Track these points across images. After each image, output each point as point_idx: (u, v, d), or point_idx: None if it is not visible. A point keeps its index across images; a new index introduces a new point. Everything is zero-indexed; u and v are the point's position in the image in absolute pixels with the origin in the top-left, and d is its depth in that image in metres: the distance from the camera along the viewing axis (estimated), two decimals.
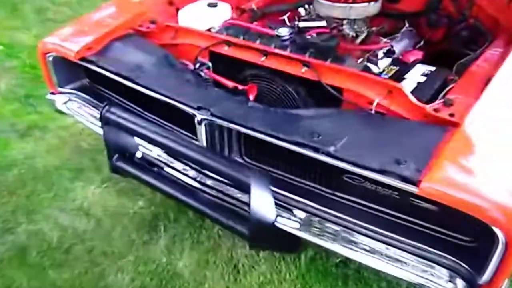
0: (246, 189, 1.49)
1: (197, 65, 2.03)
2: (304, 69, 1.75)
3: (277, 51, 1.83)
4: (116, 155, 1.83)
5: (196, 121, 1.62)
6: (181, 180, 1.74)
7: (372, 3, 2.24)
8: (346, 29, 2.32)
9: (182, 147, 1.62)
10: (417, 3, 2.53)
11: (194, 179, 1.72)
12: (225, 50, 1.95)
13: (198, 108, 1.61)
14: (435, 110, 1.49)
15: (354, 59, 1.91)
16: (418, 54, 1.92)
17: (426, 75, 1.82)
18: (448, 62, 2.41)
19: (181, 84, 1.79)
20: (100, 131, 2.02)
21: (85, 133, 2.90)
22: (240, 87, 1.88)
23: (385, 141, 1.41)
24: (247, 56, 1.90)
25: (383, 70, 1.88)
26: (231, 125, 1.55)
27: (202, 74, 2.02)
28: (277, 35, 1.93)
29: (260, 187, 1.47)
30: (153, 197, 2.40)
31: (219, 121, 1.57)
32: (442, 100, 1.52)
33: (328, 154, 1.37)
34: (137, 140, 1.82)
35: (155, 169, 1.81)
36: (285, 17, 2.47)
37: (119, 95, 2.13)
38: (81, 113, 2.17)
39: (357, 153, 1.35)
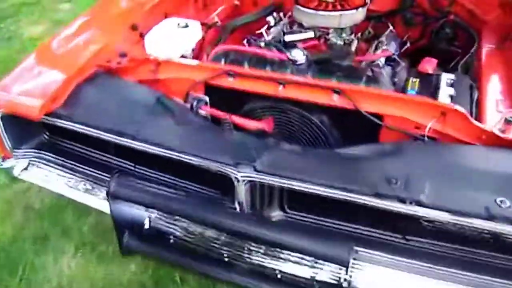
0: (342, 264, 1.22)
1: (194, 103, 1.68)
2: (335, 97, 1.51)
3: (299, 79, 1.56)
4: (128, 233, 1.44)
5: (235, 181, 1.30)
6: (218, 252, 1.41)
7: (360, 9, 2.05)
8: (334, 38, 2.12)
9: (226, 219, 1.30)
10: (389, 2, 2.40)
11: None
12: (229, 82, 1.63)
13: (236, 165, 1.29)
14: (502, 131, 1.34)
15: (387, 79, 1.71)
16: (434, 63, 1.78)
17: (451, 85, 1.68)
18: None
19: (194, 134, 1.45)
20: (77, 196, 1.61)
21: (32, 190, 2.38)
22: (258, 124, 1.59)
23: (471, 177, 1.23)
24: (258, 87, 1.60)
25: (407, 84, 1.70)
26: (286, 182, 1.26)
27: (200, 112, 1.69)
28: (290, 60, 1.66)
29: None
30: (145, 256, 2.01)
31: (268, 178, 1.27)
32: (503, 119, 1.37)
33: (419, 203, 1.16)
34: (156, 212, 1.44)
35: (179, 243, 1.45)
36: (263, 30, 2.20)
37: (97, 148, 1.71)
38: (48, 179, 1.71)
39: (452, 197, 1.16)
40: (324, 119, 1.60)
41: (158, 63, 1.74)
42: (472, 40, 2.18)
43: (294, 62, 1.65)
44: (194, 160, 1.32)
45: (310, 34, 2.09)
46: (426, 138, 1.42)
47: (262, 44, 2.11)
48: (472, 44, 2.17)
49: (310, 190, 1.23)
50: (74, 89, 1.62)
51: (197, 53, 2.16)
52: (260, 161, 1.28)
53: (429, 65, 1.77)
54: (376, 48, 2.15)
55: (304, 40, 2.08)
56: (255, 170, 1.27)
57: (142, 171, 1.58)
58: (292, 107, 1.60)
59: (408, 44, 2.15)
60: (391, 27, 2.23)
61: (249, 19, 2.38)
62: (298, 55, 1.64)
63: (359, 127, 1.54)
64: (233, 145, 1.39)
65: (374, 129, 1.52)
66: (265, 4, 2.58)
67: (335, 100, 1.51)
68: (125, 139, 1.42)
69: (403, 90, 1.66)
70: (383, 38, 2.19)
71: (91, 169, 1.65)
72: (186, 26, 2.04)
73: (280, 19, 2.44)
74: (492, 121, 1.49)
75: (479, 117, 1.54)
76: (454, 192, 1.18)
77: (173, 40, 1.97)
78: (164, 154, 1.36)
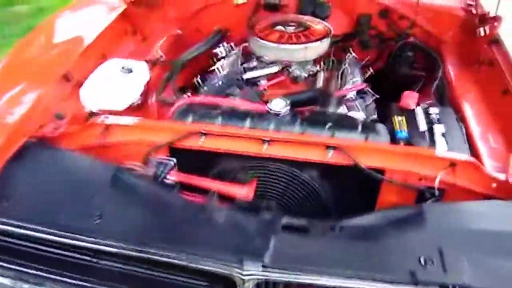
0: None
1: (159, 169, 1.38)
2: (330, 153, 1.29)
3: (287, 136, 1.32)
4: None
5: (239, 281, 1.03)
6: None
7: (325, 39, 1.86)
8: (297, 70, 1.91)
9: None
10: (344, 26, 2.25)
11: None
12: (200, 142, 1.35)
13: (240, 262, 1.02)
14: None
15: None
16: (415, 96, 1.63)
17: (438, 120, 1.54)
18: (388, 84, 2.24)
19: (175, 220, 1.15)
20: None
21: None
22: (242, 190, 1.33)
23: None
24: (237, 146, 1.34)
25: (394, 124, 1.52)
26: (303, 277, 1.01)
27: (168, 178, 1.39)
28: (270, 112, 1.41)
29: None
30: None
31: (280, 275, 1.02)
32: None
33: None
34: None
35: None
36: (218, 66, 1.94)
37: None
38: None
39: (498, 275, 0.99)
40: (315, 176, 1.37)
41: (107, 126, 1.41)
42: (433, 62, 2.09)
43: (274, 113, 1.40)
44: (186, 260, 1.03)
45: (274, 69, 1.87)
46: (436, 191, 1.25)
47: (217, 81, 1.85)
48: (433, 66, 2.09)
49: (334, 284, 1.00)
50: (1, 172, 1.24)
51: (143, 97, 1.84)
52: (268, 253, 1.03)
53: (411, 99, 1.62)
54: (341, 77, 1.98)
55: (266, 76, 1.87)
56: (263, 266, 1.01)
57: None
58: (279, 165, 1.36)
59: (371, 71, 2.00)
60: (353, 54, 2.08)
61: (197, 51, 2.10)
62: (280, 105, 1.40)
63: (356, 183, 1.34)
64: (229, 232, 1.11)
65: (374, 184, 1.33)
66: (208, 31, 2.33)
67: (330, 157, 1.29)
68: (84, 239, 1.08)
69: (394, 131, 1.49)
70: (346, 66, 2.03)
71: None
72: (130, 70, 1.72)
73: (231, 49, 2.19)
74: (491, 160, 1.37)
75: (474, 155, 1.41)
76: (498, 267, 1.01)
77: (118, 89, 1.65)
78: (144, 255, 1.05)
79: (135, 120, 1.43)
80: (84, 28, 1.91)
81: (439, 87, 1.88)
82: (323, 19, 2.16)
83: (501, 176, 1.22)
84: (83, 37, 1.83)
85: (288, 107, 1.40)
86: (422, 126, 1.51)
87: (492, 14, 1.76)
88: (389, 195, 1.34)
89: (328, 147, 1.29)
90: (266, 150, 1.31)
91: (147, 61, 1.97)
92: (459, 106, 1.67)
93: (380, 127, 1.41)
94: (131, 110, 1.70)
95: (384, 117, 1.66)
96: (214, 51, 2.17)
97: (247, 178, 1.40)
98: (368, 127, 1.38)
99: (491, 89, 1.68)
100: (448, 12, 2.16)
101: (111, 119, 1.42)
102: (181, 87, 2.16)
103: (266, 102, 1.79)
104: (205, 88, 1.83)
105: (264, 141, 1.31)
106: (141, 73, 1.75)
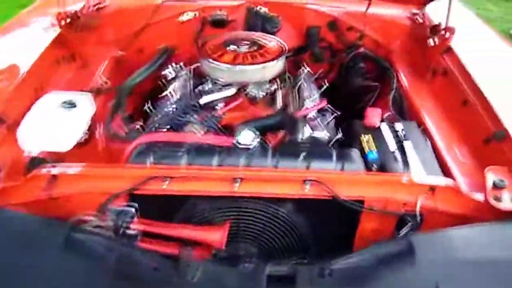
0: None
1: (119, 221, 1.21)
2: (307, 186, 1.20)
3: (262, 173, 1.22)
4: None
5: None
6: None
7: (281, 57, 1.78)
8: (254, 90, 1.81)
9: None
10: (293, 39, 2.19)
11: None
12: (164, 186, 1.21)
13: None
14: (497, 199, 1.18)
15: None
16: (379, 113, 1.59)
17: (405, 136, 1.51)
18: (342, 96, 2.20)
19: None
20: None
21: None
22: (215, 236, 1.20)
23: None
24: (206, 187, 1.21)
25: (362, 144, 1.47)
26: None
27: (131, 228, 1.23)
28: (238, 145, 1.29)
29: None
30: None
31: None
32: (489, 182, 1.22)
33: None
34: None
35: None
36: (169, 90, 1.78)
37: None
38: None
39: None
40: (292, 210, 1.28)
41: (53, 176, 1.22)
42: (385, 72, 2.09)
43: (245, 147, 1.29)
44: None
45: (231, 91, 1.75)
46: (418, 217, 1.21)
47: (170, 108, 1.71)
48: (385, 76, 2.08)
49: None
50: None
51: (90, 132, 1.66)
52: None
53: (375, 117, 1.58)
54: (298, 94, 1.90)
55: (223, 100, 1.75)
56: None
57: None
58: (253, 203, 1.25)
59: (327, 84, 1.94)
60: (308, 68, 2.01)
61: (144, 74, 1.94)
62: (248, 138, 1.29)
63: (336, 214, 1.27)
64: None
65: (353, 213, 1.26)
66: (152, 51, 2.17)
67: (308, 190, 1.20)
68: None
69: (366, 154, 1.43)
70: (302, 81, 1.96)
71: None
72: (73, 104, 1.53)
73: (180, 69, 2.05)
74: (463, 177, 1.35)
75: (444, 171, 1.39)
76: None
77: (61, 128, 1.46)
78: None
79: (87, 168, 1.25)
80: (15, 58, 1.69)
81: (395, 98, 1.86)
82: (273, 33, 2.08)
83: (479, 197, 1.20)
84: (15, 69, 1.61)
85: (258, 139, 1.29)
86: (391, 145, 1.47)
87: (443, 25, 1.75)
88: (369, 222, 1.28)
89: (304, 180, 1.19)
90: (238, 188, 1.19)
91: (90, 90, 1.79)
92: (421, 119, 1.65)
93: (354, 153, 1.35)
94: (77, 147, 1.51)
95: (349, 136, 1.61)
96: (163, 72, 2.02)
97: (219, 220, 1.28)
98: (342, 155, 1.31)
99: (450, 99, 1.68)
100: (395, 21, 2.16)
101: (58, 168, 1.23)
102: (130, 114, 1.99)
103: (226, 128, 1.70)
104: (158, 116, 1.67)
105: (235, 179, 1.19)
106: (85, 106, 1.57)
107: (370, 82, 2.10)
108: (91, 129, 1.67)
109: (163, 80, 2.03)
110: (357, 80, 2.12)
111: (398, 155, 1.42)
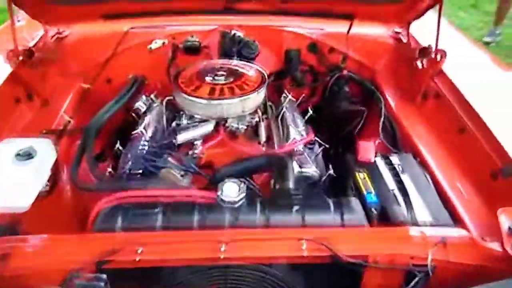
0: None
1: None
2: (304, 245, 1.04)
3: (247, 234, 1.05)
4: None
5: None
6: None
7: (262, 88, 1.63)
8: (235, 124, 1.65)
9: None
10: (271, 64, 2.04)
11: None
12: (138, 257, 1.03)
13: None
14: None
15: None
16: (372, 147, 1.45)
17: (403, 172, 1.37)
18: (327, 122, 2.07)
19: None
20: None
21: None
22: None
23: None
24: (186, 253, 1.04)
25: (358, 184, 1.32)
26: None
27: None
28: (223, 201, 1.12)
29: None
30: None
31: None
32: (506, 230, 1.08)
33: None
34: None
35: None
36: (140, 129, 1.61)
37: None
38: None
39: None
40: (287, 270, 1.12)
41: (8, 250, 1.03)
42: (370, 95, 1.96)
43: (227, 202, 1.12)
44: None
45: (209, 127, 1.59)
46: (430, 272, 1.06)
47: (143, 150, 1.53)
48: (371, 99, 1.96)
49: None
50: None
51: (52, 180, 1.47)
52: None
53: (369, 151, 1.44)
54: (282, 123, 1.76)
55: (199, 136, 1.58)
56: None
57: None
58: (242, 267, 1.08)
59: (311, 112, 1.80)
60: (289, 96, 1.86)
61: (113, 109, 1.75)
62: (233, 192, 1.12)
63: (336, 272, 1.11)
64: None
65: (356, 271, 1.11)
66: (121, 81, 1.99)
67: (305, 250, 1.05)
68: None
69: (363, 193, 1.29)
70: (285, 110, 1.81)
71: None
72: (30, 155, 1.34)
73: (152, 101, 1.88)
74: (473, 222, 1.22)
75: (451, 213, 1.26)
76: None
77: (17, 182, 1.26)
78: None
79: (47, 239, 1.06)
80: None
81: (385, 124, 1.73)
82: (251, 59, 1.93)
83: (496, 247, 1.06)
84: None
85: (244, 194, 1.12)
86: (390, 183, 1.33)
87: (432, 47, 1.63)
88: (373, 278, 1.13)
89: (301, 239, 1.04)
90: (225, 253, 1.03)
91: (52, 131, 1.59)
92: (416, 148, 1.53)
93: (353, 202, 1.20)
94: (38, 200, 1.32)
95: (342, 172, 1.47)
96: (134, 106, 1.84)
97: (205, 284, 1.10)
98: (341, 205, 1.16)
99: (444, 125, 1.56)
100: (378, 41, 2.05)
101: (14, 241, 1.04)
102: (99, 154, 1.80)
103: (206, 166, 1.53)
104: (129, 157, 1.48)
105: (220, 242, 1.03)
106: (45, 154, 1.37)
107: (357, 106, 1.97)
108: (54, 176, 1.49)
109: (134, 114, 1.86)
110: (343, 104, 1.99)
111: (398, 195, 1.28)
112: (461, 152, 1.45)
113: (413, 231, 1.10)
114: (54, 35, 1.92)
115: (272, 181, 1.45)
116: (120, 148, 1.56)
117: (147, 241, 1.02)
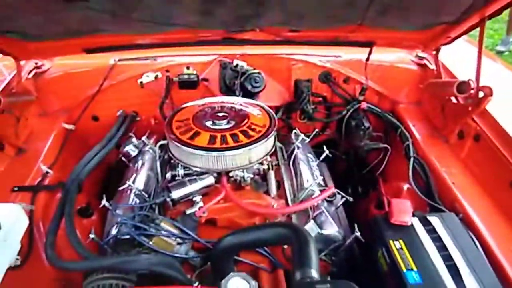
0: None
1: None
2: None
3: None
4: None
5: None
6: None
7: (271, 133, 1.36)
8: (240, 174, 1.38)
9: None
10: (275, 97, 1.79)
11: None
12: None
13: None
14: None
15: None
16: (408, 206, 1.18)
17: (448, 236, 1.11)
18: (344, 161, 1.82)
19: None
20: None
21: None
22: None
23: None
24: None
25: (394, 257, 1.06)
26: None
27: None
28: None
29: None
30: None
31: None
32: None
33: None
34: None
35: None
36: (129, 183, 1.36)
37: None
38: None
39: None
40: None
41: None
42: (391, 128, 1.71)
43: None
44: None
45: (210, 179, 1.32)
46: None
47: (131, 211, 1.28)
48: (393, 134, 1.70)
49: None
50: None
51: (26, 247, 1.22)
52: None
53: (406, 212, 1.17)
54: (294, 167, 1.50)
55: (198, 191, 1.32)
56: None
57: None
58: None
59: (327, 152, 1.53)
60: (301, 135, 1.60)
61: (100, 156, 1.50)
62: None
63: None
64: None
65: None
66: (109, 118, 1.75)
67: None
68: None
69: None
70: (297, 151, 1.55)
71: None
72: None
73: (144, 144, 1.62)
74: None
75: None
76: None
77: None
78: None
79: None
80: None
81: (416, 171, 1.47)
82: (256, 94, 1.69)
83: None
84: None
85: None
86: (434, 255, 1.06)
87: (473, 82, 1.36)
88: None
89: None
90: None
91: (26, 188, 1.34)
92: (458, 203, 1.26)
93: None
94: (10, 271, 1.08)
95: (370, 236, 1.21)
96: (125, 149, 1.59)
97: None
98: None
99: (491, 175, 1.29)
100: (398, 67, 1.79)
101: None
102: (84, 208, 1.54)
103: (208, 223, 1.28)
104: (115, 228, 1.22)
105: None
106: (14, 223, 1.12)
107: (378, 144, 1.71)
108: (27, 244, 1.24)
109: (125, 158, 1.60)
110: (362, 141, 1.72)
111: (446, 276, 1.01)
112: (509, 209, 1.19)
113: None
114: (32, 70, 1.68)
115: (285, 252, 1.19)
116: (106, 204, 1.30)
117: None
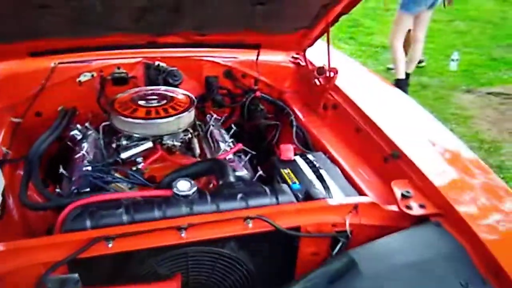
0: None
1: None
2: (250, 224, 1.24)
3: (203, 218, 1.22)
4: None
5: None
6: None
7: (192, 108, 1.82)
8: (170, 141, 1.81)
9: None
10: (195, 89, 2.26)
11: None
12: (108, 247, 1.14)
13: None
14: (408, 207, 1.35)
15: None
16: (291, 148, 1.70)
17: (318, 164, 1.65)
18: (248, 136, 2.33)
19: None
20: None
21: None
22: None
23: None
24: (152, 241, 1.18)
25: (285, 178, 1.57)
26: None
27: None
28: (178, 195, 1.27)
29: None
30: None
31: None
32: (400, 196, 1.39)
33: None
34: None
35: None
36: (83, 151, 1.70)
37: None
38: None
39: None
40: (238, 248, 1.30)
41: None
42: (281, 111, 2.26)
43: (184, 196, 1.27)
44: None
45: (148, 144, 1.73)
46: (349, 234, 1.33)
47: (88, 169, 1.61)
48: (283, 114, 2.26)
49: None
50: None
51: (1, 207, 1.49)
52: None
53: (290, 151, 1.70)
54: (211, 139, 1.96)
55: (141, 152, 1.71)
56: None
57: None
58: (200, 249, 1.25)
59: (234, 128, 2.03)
60: (214, 115, 2.08)
61: (49, 140, 1.80)
62: (185, 187, 1.28)
63: (277, 244, 1.33)
64: None
65: (292, 241, 1.34)
66: (52, 114, 2.04)
67: (250, 227, 1.25)
68: None
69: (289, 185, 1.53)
70: (212, 128, 2.03)
71: None
72: None
73: (86, 129, 1.95)
74: (373, 193, 1.52)
75: (356, 189, 1.56)
76: None
77: None
78: None
79: (14, 244, 1.13)
80: None
81: (297, 133, 2.02)
82: (176, 86, 2.13)
83: (394, 208, 1.36)
84: None
85: (195, 187, 1.30)
86: (309, 174, 1.59)
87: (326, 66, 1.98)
88: (307, 247, 1.36)
89: (246, 218, 1.24)
90: (184, 237, 1.18)
91: None
92: (324, 148, 1.82)
93: (284, 187, 1.43)
94: None
95: (269, 171, 1.71)
96: (71, 133, 1.90)
97: (167, 271, 1.24)
98: (274, 189, 1.38)
99: (343, 128, 1.88)
100: (281, 65, 2.37)
101: None
102: (42, 180, 1.81)
103: (150, 180, 1.66)
104: (76, 183, 1.55)
105: (181, 228, 1.18)
106: None
107: (271, 121, 2.25)
108: (1, 205, 1.50)
109: (70, 143, 1.91)
110: (259, 120, 2.25)
111: (317, 182, 1.54)
112: (359, 146, 1.78)
113: (332, 201, 1.37)
114: None
115: (212, 183, 1.64)
116: (64, 172, 1.62)
117: (116, 233, 1.14)
